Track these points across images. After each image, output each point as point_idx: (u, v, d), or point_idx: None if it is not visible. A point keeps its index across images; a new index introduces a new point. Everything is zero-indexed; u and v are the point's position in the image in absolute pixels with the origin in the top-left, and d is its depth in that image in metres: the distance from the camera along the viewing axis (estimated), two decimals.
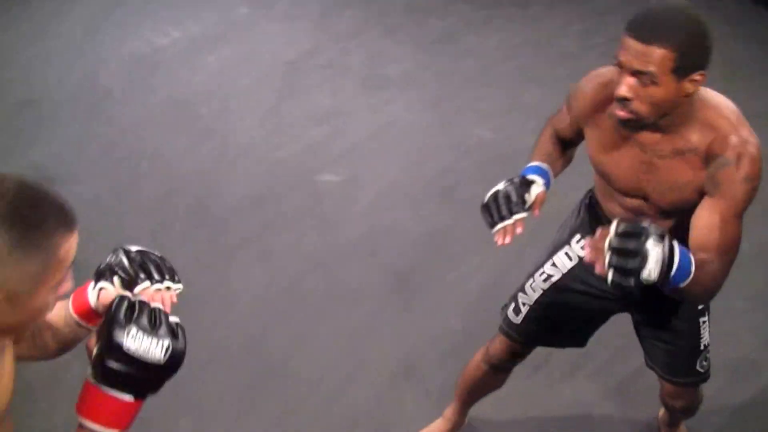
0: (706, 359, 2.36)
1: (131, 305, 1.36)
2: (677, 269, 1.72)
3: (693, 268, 1.76)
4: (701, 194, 1.95)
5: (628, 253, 1.66)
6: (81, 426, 1.37)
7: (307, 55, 4.64)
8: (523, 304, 2.41)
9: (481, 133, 4.22)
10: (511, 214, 2.06)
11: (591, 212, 2.30)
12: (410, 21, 5.09)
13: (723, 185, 1.89)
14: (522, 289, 2.42)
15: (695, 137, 1.92)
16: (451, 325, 3.23)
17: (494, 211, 2.07)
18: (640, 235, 1.67)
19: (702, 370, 2.37)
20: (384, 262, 3.50)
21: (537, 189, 2.11)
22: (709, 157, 1.91)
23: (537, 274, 2.38)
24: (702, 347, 2.33)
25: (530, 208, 2.09)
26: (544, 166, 2.19)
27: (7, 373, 1.48)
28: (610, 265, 1.68)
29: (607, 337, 2.91)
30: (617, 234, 1.68)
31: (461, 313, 3.27)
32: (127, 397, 1.36)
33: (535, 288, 2.39)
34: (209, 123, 4.20)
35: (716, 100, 1.95)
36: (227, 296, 3.34)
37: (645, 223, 1.71)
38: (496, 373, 2.59)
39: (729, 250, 1.91)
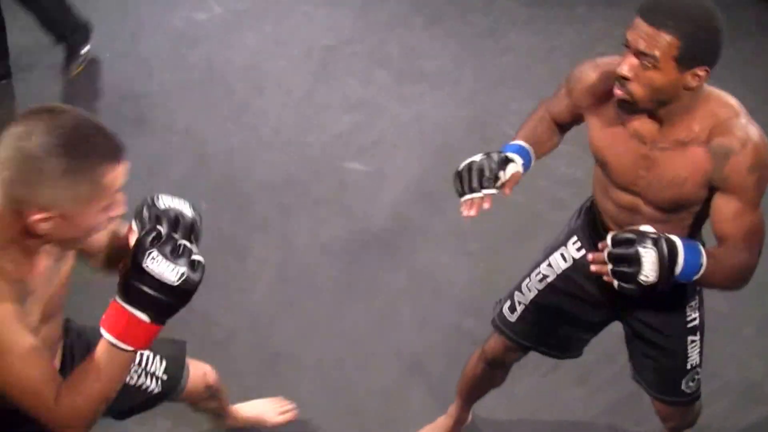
0: (693, 380, 2.35)
1: (159, 235, 1.54)
2: (684, 266, 1.79)
3: (703, 261, 1.83)
4: (704, 189, 1.97)
5: (624, 260, 1.76)
6: (102, 337, 1.57)
7: (345, 42, 4.63)
8: (519, 303, 2.45)
9: (510, 133, 4.19)
10: (482, 188, 2.06)
11: (590, 215, 2.31)
12: (452, 15, 5.05)
13: (731, 178, 1.92)
14: (518, 288, 2.45)
15: (696, 126, 1.94)
16: (464, 323, 3.25)
17: (465, 181, 2.07)
18: (632, 242, 1.76)
19: (688, 391, 2.36)
20: (402, 257, 3.52)
21: (513, 168, 2.10)
22: (711, 144, 1.92)
23: (533, 274, 2.42)
24: (689, 367, 2.32)
25: (502, 187, 2.09)
26: (527, 146, 2.19)
27: (64, 277, 1.76)
28: (612, 273, 1.78)
29: (616, 351, 2.92)
30: (612, 243, 1.78)
31: (475, 312, 3.27)
32: (144, 317, 1.54)
33: (530, 287, 2.43)
34: (242, 102, 4.22)
35: (718, 92, 1.98)
36: (243, 279, 3.37)
37: (639, 229, 1.80)
38: (494, 370, 2.62)
39: (749, 238, 1.95)
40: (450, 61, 4.63)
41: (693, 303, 2.28)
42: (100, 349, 1.58)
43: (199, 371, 2.34)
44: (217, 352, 3.04)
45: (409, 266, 3.47)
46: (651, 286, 1.79)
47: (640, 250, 1.75)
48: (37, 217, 1.53)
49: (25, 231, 1.57)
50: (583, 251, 2.32)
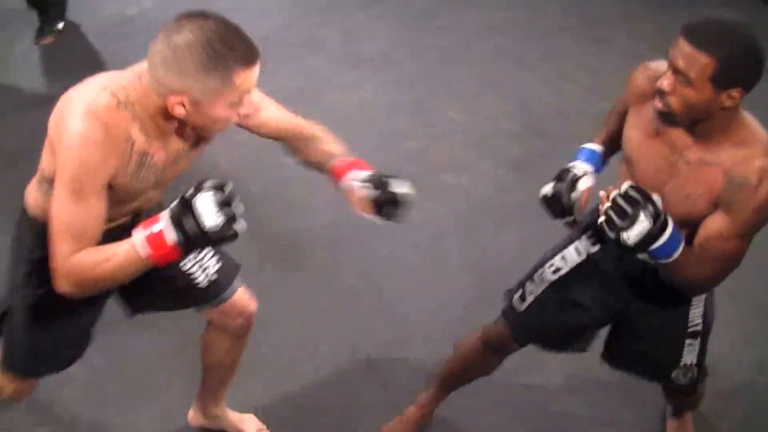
0: (684, 375, 2.42)
1: (220, 186, 1.81)
2: (661, 246, 1.94)
3: (676, 255, 1.97)
4: (712, 209, 2.04)
5: (621, 212, 1.91)
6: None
7: (280, 30, 4.53)
8: (530, 293, 2.47)
9: (454, 115, 4.16)
10: (563, 216, 2.25)
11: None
12: None
13: (736, 206, 1.99)
14: (530, 278, 2.49)
15: (724, 153, 2.01)
16: (417, 320, 3.21)
17: (549, 211, 2.25)
18: (639, 203, 1.90)
19: (678, 382, 2.44)
20: (350, 252, 3.46)
21: (584, 185, 2.23)
22: (731, 174, 1.99)
23: (546, 266, 2.46)
24: (681, 365, 2.39)
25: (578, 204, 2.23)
26: (599, 149, 2.32)
27: (188, 161, 2.07)
28: (605, 213, 1.93)
29: None
30: (623, 193, 1.93)
31: (428, 307, 3.25)
32: (172, 237, 1.80)
33: (543, 279, 2.46)
34: None
35: (755, 126, 2.03)
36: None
37: (651, 196, 1.92)
38: (491, 355, 2.63)
39: (721, 261, 2.05)
40: (389, 43, 4.57)
41: (698, 310, 2.34)
42: (127, 241, 1.84)
43: (246, 295, 2.47)
44: (166, 361, 2.98)
45: (357, 259, 3.42)
46: (623, 247, 1.93)
47: (641, 214, 1.90)
48: (174, 100, 1.81)
49: (165, 112, 1.86)
50: (597, 246, 2.38)
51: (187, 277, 2.31)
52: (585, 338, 2.53)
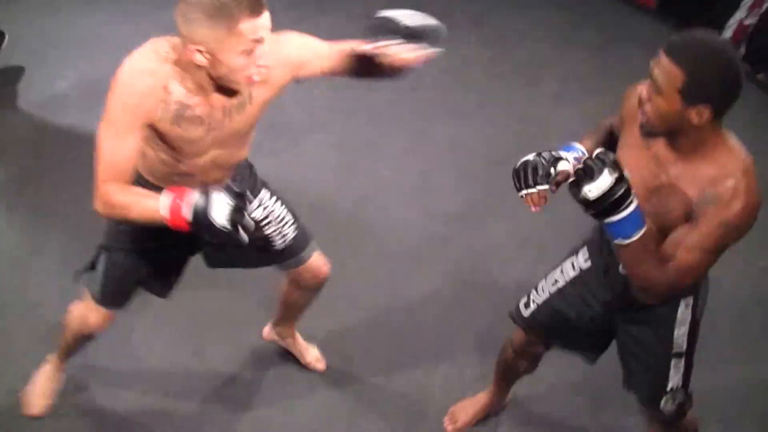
0: (671, 402, 2.47)
1: (241, 195, 2.08)
2: (618, 221, 2.01)
3: (635, 238, 2.03)
4: (686, 221, 2.13)
5: (588, 169, 1.98)
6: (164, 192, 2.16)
7: None
8: (533, 301, 2.66)
9: (385, 174, 4.20)
10: (536, 184, 2.21)
11: (601, 229, 2.40)
12: None
13: (704, 218, 2.07)
14: (536, 287, 2.66)
15: (701, 171, 2.10)
16: (361, 388, 3.25)
17: (521, 178, 2.23)
18: (604, 163, 1.97)
19: (665, 411, 2.48)
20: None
21: (563, 166, 2.22)
22: (704, 192, 2.07)
23: (548, 276, 2.63)
24: (668, 388, 2.45)
25: (552, 183, 2.23)
26: (580, 147, 2.34)
27: (246, 117, 2.32)
28: (575, 173, 2.01)
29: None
30: (594, 156, 2.00)
31: (369, 379, 3.30)
32: (187, 214, 2.08)
33: (544, 289, 2.63)
34: None
35: (734, 145, 2.12)
36: (130, 359, 3.30)
37: (620, 165, 1.98)
38: (518, 358, 2.84)
39: (679, 271, 2.12)
40: (317, 104, 4.58)
41: (683, 329, 2.40)
42: (156, 198, 2.14)
43: (321, 260, 2.84)
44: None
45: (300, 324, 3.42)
46: (584, 201, 1.99)
47: (604, 171, 1.96)
48: (192, 48, 2.07)
49: (193, 63, 2.11)
50: (589, 263, 2.51)
51: (268, 240, 2.67)
52: (588, 349, 2.66)
